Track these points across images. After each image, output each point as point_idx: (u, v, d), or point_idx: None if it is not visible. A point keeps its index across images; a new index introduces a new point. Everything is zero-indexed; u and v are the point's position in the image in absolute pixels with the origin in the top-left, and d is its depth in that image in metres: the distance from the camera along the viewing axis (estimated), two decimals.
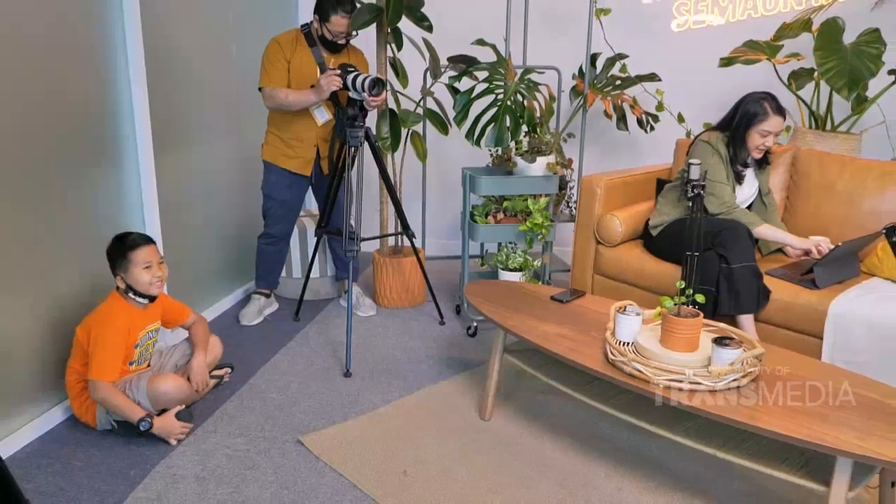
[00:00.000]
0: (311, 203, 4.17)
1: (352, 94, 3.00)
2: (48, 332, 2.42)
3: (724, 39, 3.67)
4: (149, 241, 2.42)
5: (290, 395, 2.69)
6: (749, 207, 3.00)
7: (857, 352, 2.39)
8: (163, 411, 2.35)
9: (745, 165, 2.92)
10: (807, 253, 2.81)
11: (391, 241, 3.78)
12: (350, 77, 2.98)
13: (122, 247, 2.36)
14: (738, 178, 2.92)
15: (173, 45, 3.02)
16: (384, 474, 2.19)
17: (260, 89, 3.14)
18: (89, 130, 2.55)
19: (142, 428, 2.27)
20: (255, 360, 2.98)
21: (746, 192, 2.97)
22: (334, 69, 2.99)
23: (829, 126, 3.52)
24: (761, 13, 3.83)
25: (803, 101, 3.55)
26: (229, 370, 2.78)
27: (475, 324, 3.32)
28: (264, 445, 2.34)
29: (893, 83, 3.31)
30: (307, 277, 3.52)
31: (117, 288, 2.39)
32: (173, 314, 2.60)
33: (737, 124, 2.87)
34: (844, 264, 2.66)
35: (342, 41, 3.13)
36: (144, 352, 2.48)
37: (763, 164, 2.99)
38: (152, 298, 2.43)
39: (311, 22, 3.15)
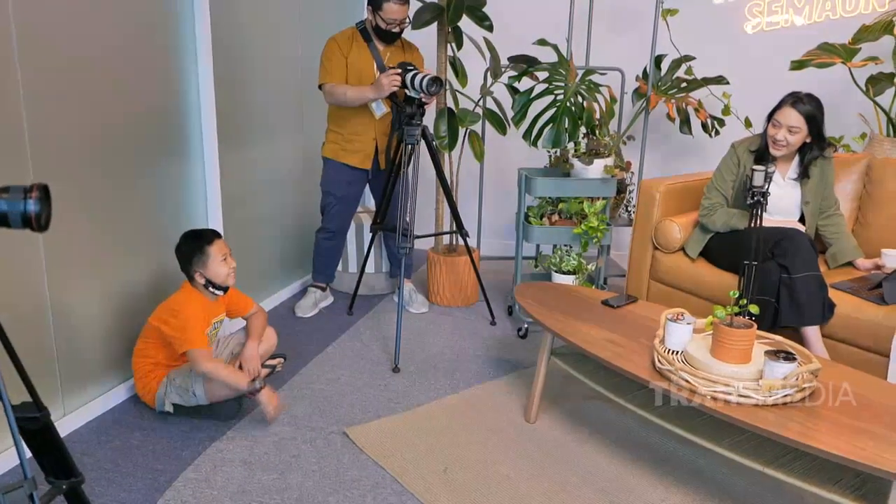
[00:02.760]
0: (367, 199, 4.23)
1: (409, 93, 3.02)
2: (115, 315, 2.54)
3: (799, 42, 3.53)
4: (219, 235, 2.52)
5: (338, 388, 2.74)
6: (801, 220, 2.87)
7: None
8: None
9: (763, 160, 2.79)
10: (878, 267, 2.68)
11: (446, 239, 3.80)
12: (409, 75, 3.01)
13: (199, 242, 2.45)
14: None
15: (241, 43, 3.12)
16: (425, 470, 2.21)
17: (320, 87, 3.21)
18: (158, 126, 2.67)
19: (257, 386, 2.40)
20: (308, 352, 3.05)
21: (787, 201, 2.85)
22: (394, 68, 3.02)
23: None
24: (840, 14, 3.66)
25: (881, 108, 3.38)
26: (282, 360, 2.85)
27: (526, 325, 3.30)
28: (310, 435, 2.40)
29: None
30: (362, 272, 3.57)
31: (191, 281, 2.49)
32: (238, 305, 2.69)
33: (767, 117, 2.84)
34: None
35: (396, 29, 3.14)
36: (211, 341, 2.58)
37: (804, 176, 2.85)
38: (225, 290, 2.53)
39: (366, 18, 3.19)
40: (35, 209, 1.21)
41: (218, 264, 2.45)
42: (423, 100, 3.02)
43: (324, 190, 3.41)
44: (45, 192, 1.23)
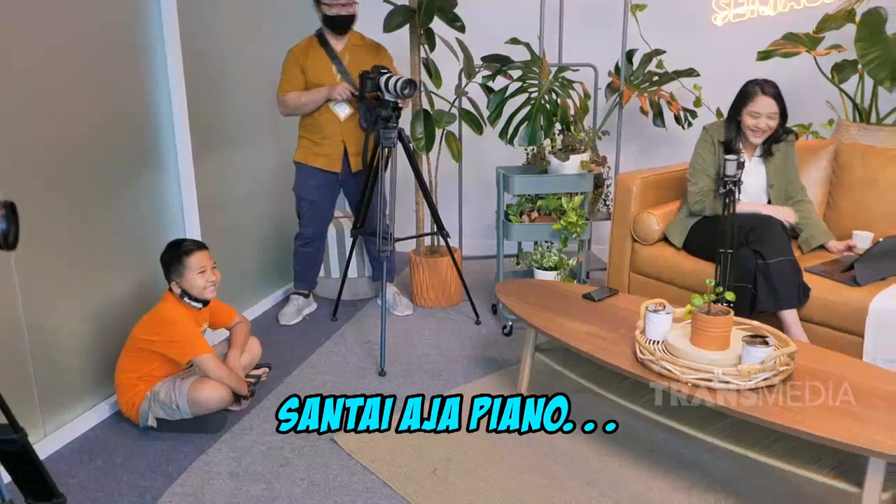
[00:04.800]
0: (345, 204, 4.23)
1: (385, 96, 3.03)
2: (95, 331, 2.52)
3: (766, 32, 3.58)
4: (202, 246, 2.51)
5: (325, 394, 2.74)
6: (769, 202, 2.92)
7: None
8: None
9: (733, 151, 2.86)
10: (849, 248, 2.73)
11: (427, 241, 3.81)
12: (383, 79, 3.01)
13: (178, 252, 2.45)
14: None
15: (212, 50, 3.11)
16: (415, 472, 2.21)
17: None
18: (131, 135, 2.65)
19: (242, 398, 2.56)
20: (293, 359, 3.04)
21: (754, 182, 2.90)
22: (369, 73, 3.03)
23: (873, 119, 3.40)
24: (804, 4, 3.71)
25: (846, 94, 3.44)
26: (267, 370, 2.85)
27: (510, 323, 3.32)
28: (298, 443, 2.39)
29: None
30: (344, 277, 3.57)
31: (170, 291, 2.48)
32: (221, 317, 2.68)
33: (731, 108, 2.88)
34: (886, 260, 2.57)
35: (343, 12, 3.12)
36: None
37: (767, 154, 2.91)
38: (206, 302, 2.52)
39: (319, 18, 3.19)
40: (2, 227, 1.21)
41: (194, 276, 2.44)
42: (399, 103, 3.04)
43: (296, 195, 3.42)
44: (11, 210, 1.22)
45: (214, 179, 3.17)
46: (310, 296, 3.63)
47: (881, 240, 2.60)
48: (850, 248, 2.73)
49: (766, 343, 1.88)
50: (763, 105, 2.77)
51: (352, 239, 3.54)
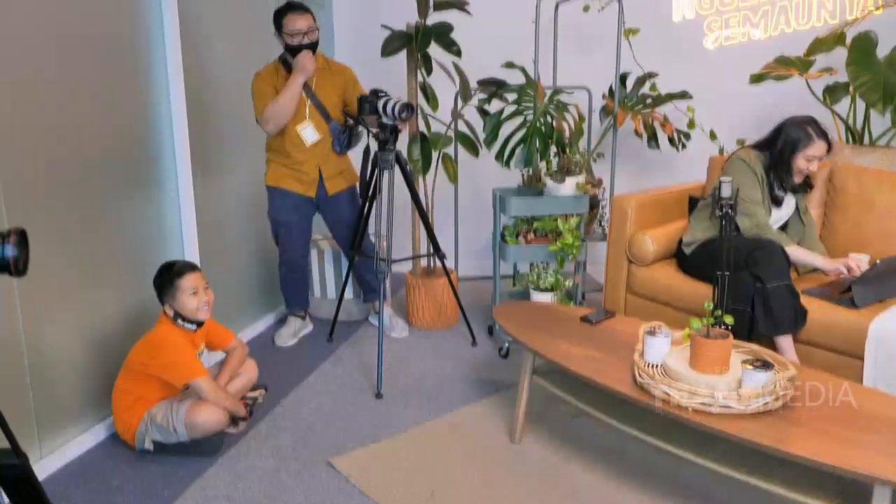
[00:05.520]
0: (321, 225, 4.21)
1: (383, 119, 3.05)
2: (93, 353, 2.51)
3: (758, 55, 3.63)
4: (194, 268, 2.50)
5: (321, 417, 2.72)
6: (784, 227, 2.95)
7: None
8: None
9: (794, 190, 2.90)
10: (849, 269, 2.74)
11: (424, 262, 3.81)
12: (381, 102, 3.03)
13: (169, 274, 2.44)
14: (776, 201, 2.88)
15: (212, 71, 3.13)
16: (412, 496, 2.19)
17: (258, 121, 3.19)
18: (131, 155, 2.66)
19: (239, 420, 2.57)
20: (289, 382, 3.03)
21: (783, 212, 2.92)
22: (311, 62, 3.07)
23: (866, 140, 3.44)
24: (794, 28, 3.77)
25: (839, 116, 3.48)
26: (264, 391, 2.83)
27: (507, 345, 3.31)
28: (295, 467, 2.37)
29: None
30: (341, 298, 3.56)
31: (164, 313, 2.47)
32: (218, 337, 2.67)
33: (781, 149, 2.83)
34: (885, 282, 2.58)
35: (305, 41, 3.09)
36: None
37: (805, 187, 2.94)
38: (200, 323, 2.50)
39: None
40: (13, 254, 1.20)
41: (187, 297, 2.43)
42: (398, 126, 3.05)
43: (272, 219, 3.37)
44: (22, 237, 1.22)
45: (213, 199, 3.18)
46: (306, 317, 3.62)
47: (878, 262, 2.61)
48: (849, 270, 2.73)
49: (767, 367, 1.88)
50: (820, 149, 2.78)
51: (349, 260, 3.53)
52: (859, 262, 2.68)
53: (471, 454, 2.44)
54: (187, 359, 2.40)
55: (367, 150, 3.25)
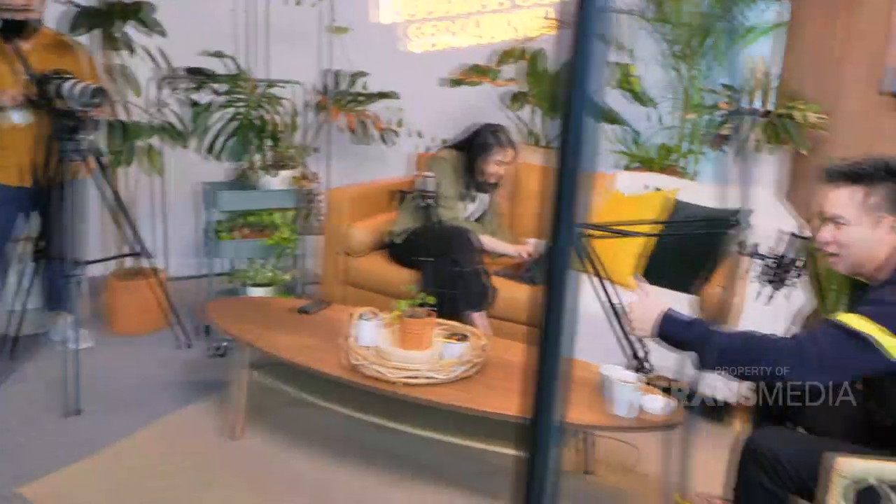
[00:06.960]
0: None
1: (69, 104, 2.72)
2: None
3: (458, 61, 3.98)
4: None
5: (5, 443, 2.37)
6: (480, 218, 3.30)
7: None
8: None
9: (483, 190, 3.22)
10: (528, 254, 3.16)
11: (128, 262, 3.50)
12: (66, 84, 2.70)
13: None
14: (471, 197, 3.22)
15: None
16: None
17: None
18: None
19: None
20: None
21: (477, 205, 3.27)
22: (51, 74, 2.70)
23: (543, 142, 4.00)
24: (487, 40, 4.22)
25: (522, 120, 3.99)
26: None
27: (225, 344, 3.20)
28: None
29: None
30: (23, 309, 3.10)
31: None
32: None
33: (474, 153, 3.16)
34: None
35: (20, 17, 2.76)
36: None
37: (494, 185, 3.30)
38: None
39: None
40: None
41: None
42: (91, 112, 2.74)
43: None
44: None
45: None
46: None
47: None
48: (528, 254, 3.15)
49: (464, 339, 2.10)
50: (508, 155, 3.13)
51: (34, 263, 3.09)
52: (537, 246, 3.11)
53: (188, 458, 2.32)
54: None
55: (49, 139, 2.88)
